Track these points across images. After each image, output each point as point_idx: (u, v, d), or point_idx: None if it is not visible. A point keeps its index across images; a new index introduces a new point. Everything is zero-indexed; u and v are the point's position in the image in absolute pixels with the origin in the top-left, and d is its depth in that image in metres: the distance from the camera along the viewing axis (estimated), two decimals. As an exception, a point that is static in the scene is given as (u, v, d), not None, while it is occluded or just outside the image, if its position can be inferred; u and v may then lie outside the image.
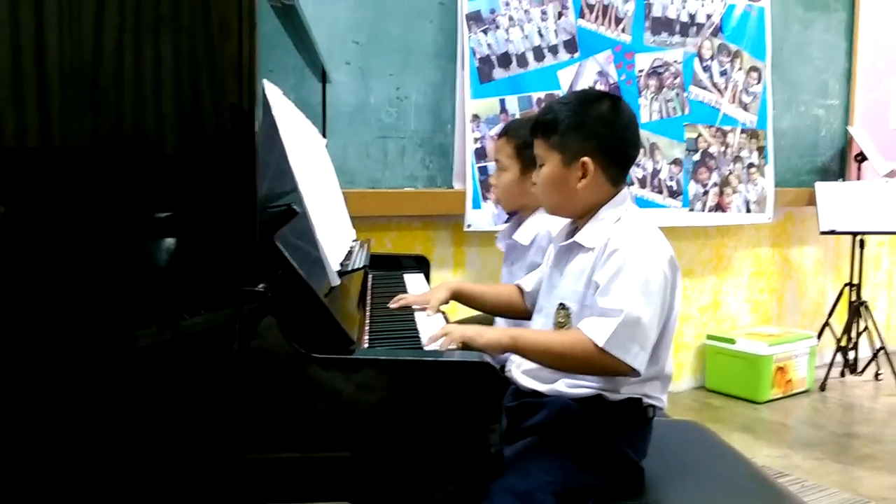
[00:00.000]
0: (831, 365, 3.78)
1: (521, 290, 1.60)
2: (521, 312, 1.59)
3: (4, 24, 0.96)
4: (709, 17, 3.42)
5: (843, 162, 4.16)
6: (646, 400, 1.31)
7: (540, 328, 1.42)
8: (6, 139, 0.99)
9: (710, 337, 3.70)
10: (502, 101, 2.88)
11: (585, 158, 1.34)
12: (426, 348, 1.22)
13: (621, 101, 1.41)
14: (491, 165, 2.80)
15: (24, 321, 0.98)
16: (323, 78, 2.33)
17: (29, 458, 0.99)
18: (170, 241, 1.01)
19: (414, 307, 1.52)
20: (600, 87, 3.11)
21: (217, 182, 0.99)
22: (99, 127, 0.99)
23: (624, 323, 1.20)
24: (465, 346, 1.20)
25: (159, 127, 1.00)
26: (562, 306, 1.36)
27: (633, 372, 1.23)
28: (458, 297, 1.61)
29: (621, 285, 1.24)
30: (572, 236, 1.39)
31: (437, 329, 1.26)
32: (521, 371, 1.39)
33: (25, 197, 0.99)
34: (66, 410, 0.99)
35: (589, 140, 1.34)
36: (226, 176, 0.99)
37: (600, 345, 1.20)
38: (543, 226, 1.78)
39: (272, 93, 1.17)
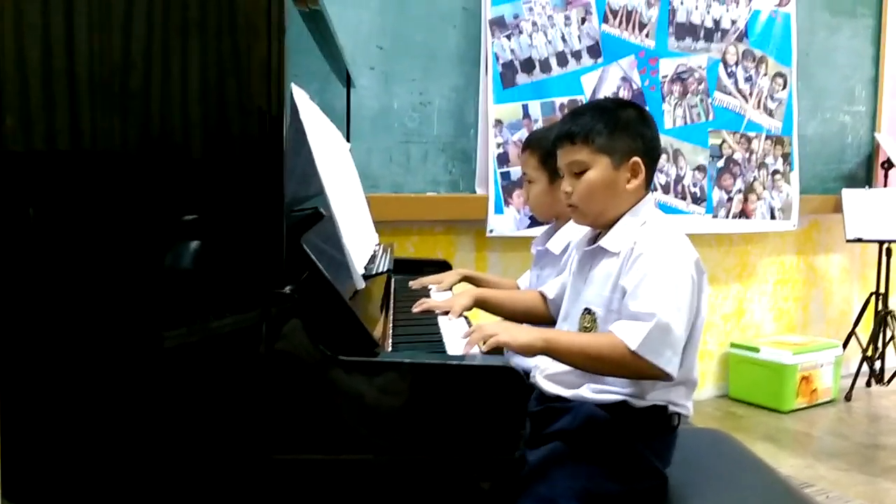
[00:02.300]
0: (857, 374, 3.73)
1: (543, 296, 1.60)
2: (544, 319, 1.58)
3: (36, 29, 0.98)
4: (734, 22, 3.40)
5: (869, 169, 4.11)
6: (671, 407, 1.30)
7: (565, 334, 1.42)
8: (37, 141, 1.00)
9: (733, 345, 3.67)
10: (525, 107, 2.88)
11: (636, 158, 1.34)
12: (462, 351, 1.19)
13: (643, 107, 1.42)
14: (513, 171, 2.81)
15: (52, 322, 1.00)
16: (347, 82, 2.34)
17: (55, 457, 1.00)
18: (198, 244, 1.02)
19: (437, 311, 1.52)
20: (624, 92, 3.10)
21: (245, 185, 1.00)
22: (129, 130, 1.00)
23: (656, 327, 1.20)
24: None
25: (189, 130, 1.01)
26: (587, 311, 1.35)
27: (667, 376, 1.22)
28: (482, 304, 1.61)
29: (651, 289, 1.23)
30: (595, 242, 1.38)
31: (465, 332, 1.26)
32: (544, 376, 1.38)
33: (55, 199, 1.00)
34: (93, 410, 1.00)
35: (636, 140, 1.35)
36: (254, 179, 1.00)
37: (633, 348, 1.19)
38: (576, 235, 1.78)
39: (300, 97, 1.18)
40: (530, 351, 1.21)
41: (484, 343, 1.18)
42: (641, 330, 1.20)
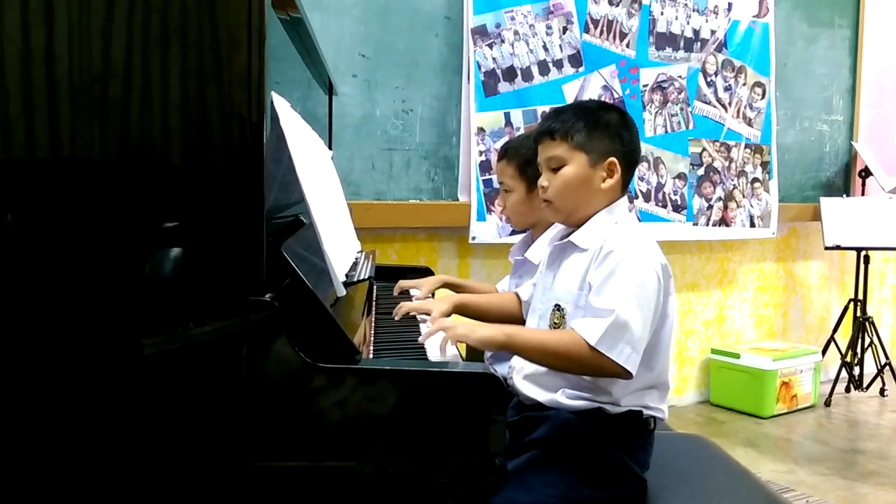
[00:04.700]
0: (836, 380, 3.77)
1: (519, 298, 1.61)
2: (519, 321, 1.59)
3: (16, 38, 0.98)
4: (713, 32, 3.44)
5: (847, 178, 4.17)
6: (646, 411, 1.31)
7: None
8: (16, 149, 1.00)
9: (714, 351, 3.69)
10: (507, 115, 2.89)
11: (612, 158, 1.35)
12: (421, 341, 1.27)
13: (627, 113, 1.43)
14: (496, 178, 2.82)
15: (31, 328, 0.99)
16: (329, 90, 2.35)
17: (35, 466, 1.00)
18: (178, 251, 1.01)
19: (418, 317, 1.52)
20: (605, 101, 3.12)
21: (226, 192, 1.00)
22: (110, 138, 1.00)
23: (615, 323, 1.20)
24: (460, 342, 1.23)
25: (169, 138, 1.01)
26: (557, 307, 1.36)
27: (625, 373, 1.22)
28: (462, 309, 1.62)
29: (614, 286, 1.24)
30: (567, 237, 1.39)
31: (436, 336, 1.27)
32: (521, 377, 1.38)
33: (35, 206, 1.00)
34: (72, 418, 0.99)
35: (615, 141, 1.36)
36: (234, 186, 1.00)
37: (592, 343, 1.20)
38: None
39: (280, 104, 1.18)
40: (490, 344, 1.22)
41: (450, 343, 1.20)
42: (600, 326, 1.21)
